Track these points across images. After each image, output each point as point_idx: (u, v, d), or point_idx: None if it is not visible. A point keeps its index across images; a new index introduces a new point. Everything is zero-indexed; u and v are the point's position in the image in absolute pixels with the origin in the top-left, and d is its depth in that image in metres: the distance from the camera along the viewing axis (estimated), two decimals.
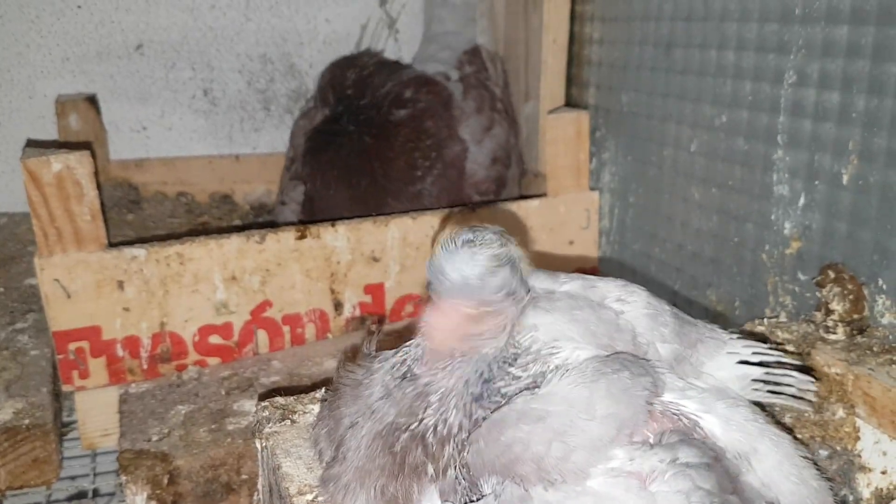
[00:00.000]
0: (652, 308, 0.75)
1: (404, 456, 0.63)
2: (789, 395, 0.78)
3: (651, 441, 0.63)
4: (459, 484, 0.62)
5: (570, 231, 1.45)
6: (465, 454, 0.62)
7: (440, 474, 0.63)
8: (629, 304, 0.75)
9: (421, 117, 1.50)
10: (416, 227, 1.32)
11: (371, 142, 1.49)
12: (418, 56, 1.72)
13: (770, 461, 0.69)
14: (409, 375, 0.67)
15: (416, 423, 0.64)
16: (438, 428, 0.63)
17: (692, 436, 0.66)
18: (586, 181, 1.46)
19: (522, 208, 1.40)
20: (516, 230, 1.40)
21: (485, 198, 1.52)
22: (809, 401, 0.80)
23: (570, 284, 0.77)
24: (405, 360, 0.68)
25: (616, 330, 0.72)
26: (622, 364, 0.65)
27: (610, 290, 0.76)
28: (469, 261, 0.63)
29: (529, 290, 0.69)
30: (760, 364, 0.77)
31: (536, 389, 0.63)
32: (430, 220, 1.33)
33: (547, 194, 1.44)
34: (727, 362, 0.76)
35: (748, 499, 0.65)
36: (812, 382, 0.79)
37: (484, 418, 0.63)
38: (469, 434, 0.62)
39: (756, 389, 0.77)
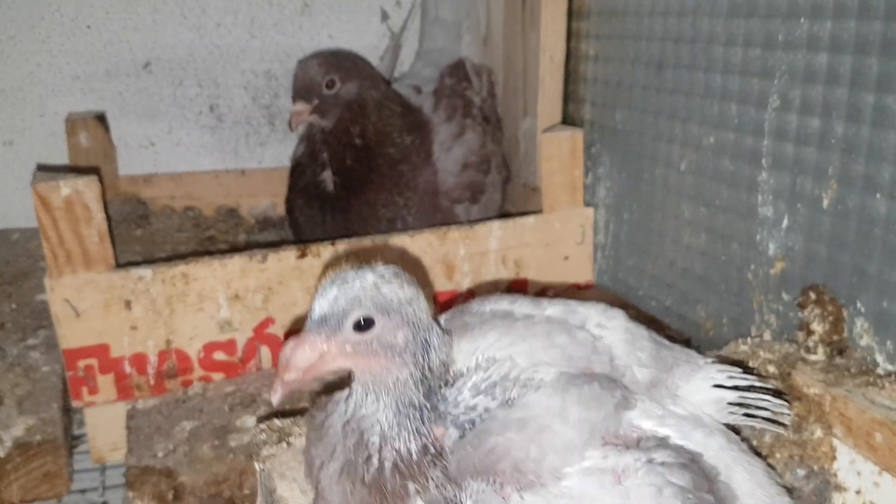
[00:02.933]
0: (629, 333, 0.79)
1: (381, 485, 0.67)
2: (764, 419, 0.81)
3: (626, 445, 0.67)
4: (444, 493, 0.66)
5: (565, 247, 1.48)
6: (449, 464, 0.66)
7: (423, 489, 0.67)
8: (608, 329, 0.79)
9: (399, 162, 1.51)
10: (414, 245, 1.36)
11: (354, 202, 1.50)
12: (406, 73, 1.76)
13: (744, 489, 0.73)
14: (348, 414, 0.71)
15: (371, 456, 0.68)
16: (404, 455, 0.67)
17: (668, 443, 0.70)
18: (581, 197, 1.49)
19: (518, 225, 1.43)
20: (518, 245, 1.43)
21: (458, 204, 1.53)
22: (784, 424, 0.82)
23: (552, 309, 0.81)
24: (350, 399, 0.72)
25: (593, 352, 0.75)
26: (592, 377, 0.70)
27: (590, 316, 0.80)
28: (331, 300, 0.67)
29: (433, 328, 0.72)
30: (735, 388, 0.80)
31: (514, 403, 0.68)
32: (428, 238, 1.36)
33: (543, 210, 1.47)
34: (703, 386, 0.79)
35: (723, 498, 0.68)
36: (786, 406, 0.81)
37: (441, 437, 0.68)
38: (439, 453, 0.67)
39: (731, 413, 0.80)
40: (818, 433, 0.91)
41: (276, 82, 1.92)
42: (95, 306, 1.21)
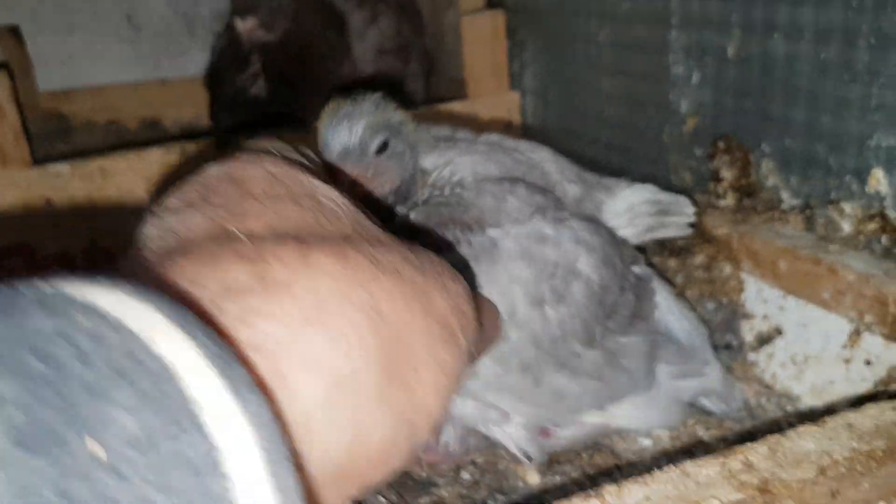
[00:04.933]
0: (555, 159, 0.85)
1: None
2: (673, 219, 0.89)
3: None
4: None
5: (492, 131, 1.49)
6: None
7: None
8: (537, 155, 0.85)
9: (326, 60, 1.48)
10: None
11: (285, 109, 1.47)
12: None
13: (660, 296, 0.80)
14: None
15: None
16: None
17: None
18: (506, 82, 1.49)
19: (444, 110, 1.43)
20: None
21: (375, 91, 1.52)
22: (691, 224, 0.91)
23: (489, 137, 0.87)
24: None
25: (529, 169, 0.81)
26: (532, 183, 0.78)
27: (520, 144, 0.86)
28: (348, 132, 0.70)
29: (415, 147, 0.76)
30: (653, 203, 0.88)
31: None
32: None
33: (468, 97, 1.47)
34: (622, 202, 0.86)
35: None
36: (690, 203, 0.89)
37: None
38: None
39: (650, 227, 0.87)
40: (727, 270, 0.94)
41: None
42: (15, 206, 1.19)
